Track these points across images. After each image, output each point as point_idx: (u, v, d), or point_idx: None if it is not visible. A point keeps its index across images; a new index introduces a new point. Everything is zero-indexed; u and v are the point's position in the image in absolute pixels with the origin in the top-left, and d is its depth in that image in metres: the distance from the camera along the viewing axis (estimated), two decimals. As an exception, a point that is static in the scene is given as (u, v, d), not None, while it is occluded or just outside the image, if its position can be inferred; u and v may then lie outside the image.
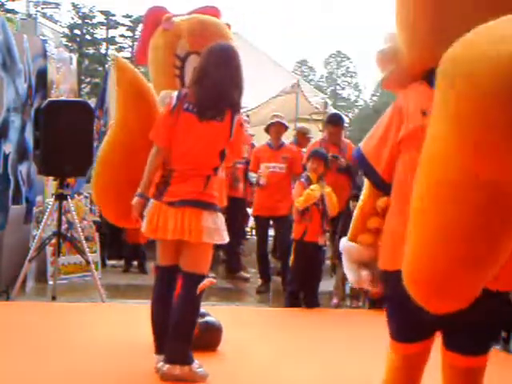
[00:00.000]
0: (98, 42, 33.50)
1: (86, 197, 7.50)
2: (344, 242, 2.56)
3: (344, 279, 6.71)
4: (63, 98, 7.34)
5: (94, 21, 33.58)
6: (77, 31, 32.94)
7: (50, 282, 6.39)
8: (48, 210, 6.02)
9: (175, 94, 3.78)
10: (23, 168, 6.66)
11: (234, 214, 7.00)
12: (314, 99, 10.68)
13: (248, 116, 8.47)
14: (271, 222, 7.39)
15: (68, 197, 5.99)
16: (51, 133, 5.71)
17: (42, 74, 6.99)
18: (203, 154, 3.68)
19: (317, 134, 10.51)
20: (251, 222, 9.54)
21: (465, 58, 1.84)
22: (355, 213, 2.58)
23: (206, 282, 3.71)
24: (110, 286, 6.81)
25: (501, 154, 1.80)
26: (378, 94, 53.82)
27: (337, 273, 6.88)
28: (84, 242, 6.19)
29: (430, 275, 1.96)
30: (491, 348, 2.35)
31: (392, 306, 2.35)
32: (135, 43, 31.44)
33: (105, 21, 33.54)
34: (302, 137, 8.23)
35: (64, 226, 6.38)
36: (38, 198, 6.90)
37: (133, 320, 4.98)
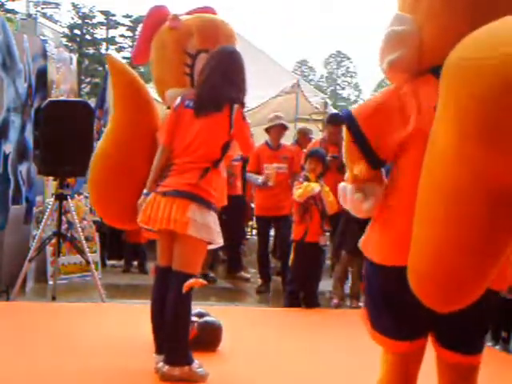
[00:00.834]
0: (98, 42, 33.47)
1: (86, 197, 7.50)
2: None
3: (342, 279, 6.72)
4: (63, 97, 7.34)
5: (94, 21, 33.56)
6: (77, 31, 32.92)
7: (50, 282, 6.39)
8: (48, 210, 6.02)
9: (180, 97, 3.84)
10: (23, 168, 6.65)
11: (233, 213, 7.00)
12: (314, 99, 10.66)
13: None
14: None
15: (68, 197, 5.99)
16: (51, 133, 5.71)
17: (41, 74, 6.98)
18: (203, 147, 3.68)
19: (317, 134, 10.51)
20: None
21: (467, 59, 1.85)
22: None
23: (192, 281, 3.66)
24: (110, 285, 6.81)
25: (506, 155, 1.80)
26: (377, 94, 53.76)
27: (334, 272, 6.88)
28: (84, 242, 6.18)
29: (439, 275, 1.96)
30: (485, 347, 2.35)
31: (386, 301, 2.30)
32: (135, 43, 31.44)
33: (105, 21, 33.54)
34: (303, 137, 8.24)
35: (64, 226, 6.38)
36: (38, 198, 6.90)
37: (133, 320, 4.98)
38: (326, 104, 10.63)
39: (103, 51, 33.19)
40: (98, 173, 4.24)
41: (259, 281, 7.26)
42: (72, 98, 7.61)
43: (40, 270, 6.64)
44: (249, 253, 9.23)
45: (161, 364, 3.67)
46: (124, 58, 28.02)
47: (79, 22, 33.25)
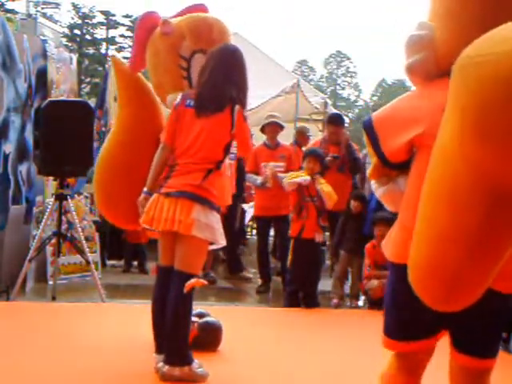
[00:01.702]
0: (98, 42, 33.42)
1: (86, 197, 7.51)
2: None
3: (342, 279, 6.72)
4: (63, 97, 7.34)
5: (94, 21, 33.51)
6: (77, 31, 32.86)
7: (50, 282, 6.39)
8: (48, 210, 6.02)
9: (180, 95, 3.84)
10: (23, 168, 6.66)
11: (232, 213, 7.00)
12: (314, 99, 10.67)
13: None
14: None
15: (68, 197, 5.99)
16: (51, 133, 5.71)
17: (41, 74, 6.99)
18: (205, 148, 3.68)
19: (317, 133, 10.51)
20: (248, 218, 9.54)
21: (472, 60, 1.88)
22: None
23: (193, 281, 3.66)
24: (110, 285, 6.81)
25: (503, 154, 1.81)
26: (378, 94, 53.87)
27: (334, 272, 6.88)
28: (84, 242, 6.18)
29: (439, 274, 1.99)
30: (498, 351, 2.39)
31: (394, 300, 2.33)
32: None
33: (105, 21, 33.50)
34: (301, 136, 8.25)
35: (64, 226, 6.38)
36: (38, 198, 6.90)
37: (133, 320, 4.98)
38: (326, 104, 10.64)
39: (103, 51, 33.17)
40: (103, 174, 4.27)
41: (259, 281, 7.26)
42: (72, 98, 7.61)
43: (40, 270, 6.64)
44: (248, 253, 9.23)
45: (161, 364, 3.67)
46: (124, 58, 27.98)
47: (79, 21, 33.20)
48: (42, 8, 32.67)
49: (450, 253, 1.96)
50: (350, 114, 47.20)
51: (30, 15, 28.24)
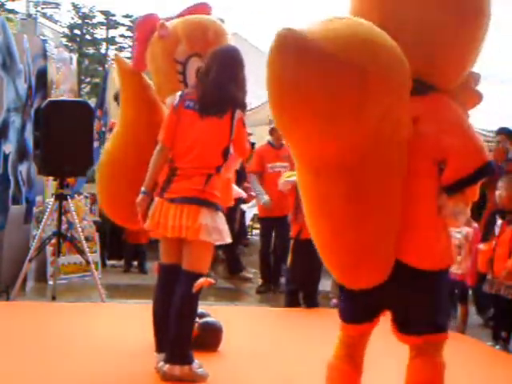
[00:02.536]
0: (98, 42, 33.39)
1: (86, 197, 7.51)
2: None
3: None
4: (63, 97, 7.33)
5: (94, 21, 33.48)
6: (77, 31, 32.84)
7: (50, 282, 6.39)
8: (48, 210, 6.02)
9: (179, 93, 3.83)
10: (23, 168, 6.65)
11: (232, 214, 7.00)
12: (314, 99, 10.64)
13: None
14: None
15: (68, 197, 5.99)
16: (51, 133, 5.71)
17: (41, 74, 6.98)
18: (205, 152, 3.69)
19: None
20: (248, 218, 9.54)
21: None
22: None
23: (202, 281, 3.68)
24: (110, 285, 6.81)
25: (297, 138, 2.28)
26: (377, 94, 53.72)
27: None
28: (84, 242, 6.18)
29: (329, 259, 2.50)
30: (442, 326, 2.57)
31: (346, 293, 2.64)
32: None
33: (105, 21, 33.47)
34: None
35: (64, 226, 6.38)
36: (38, 198, 6.90)
37: (133, 320, 4.97)
38: (325, 104, 10.61)
39: (103, 51, 33.17)
40: (105, 173, 4.29)
41: (259, 281, 7.26)
42: (72, 98, 7.61)
43: (40, 270, 6.64)
44: (249, 253, 9.23)
45: (161, 363, 3.67)
46: (124, 58, 27.91)
47: (79, 21, 33.18)
48: (42, 8, 32.60)
49: (328, 240, 2.46)
50: (349, 114, 46.99)
51: (30, 15, 28.20)
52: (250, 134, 8.55)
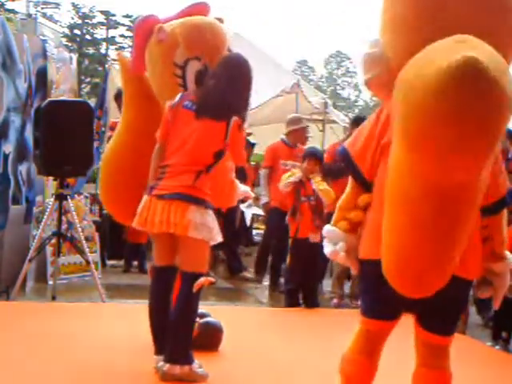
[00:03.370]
0: (98, 42, 33.46)
1: (86, 197, 7.51)
2: (326, 226, 2.81)
3: (342, 279, 6.72)
4: (63, 97, 7.33)
5: (94, 21, 33.55)
6: (77, 31, 32.90)
7: (50, 282, 6.39)
8: (48, 210, 6.02)
9: (179, 95, 3.84)
10: (23, 168, 6.65)
11: (232, 213, 7.00)
12: (314, 99, 10.67)
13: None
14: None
15: (68, 197, 5.99)
16: (51, 133, 5.71)
17: (41, 74, 6.98)
18: (196, 150, 3.68)
19: (317, 133, 10.52)
20: (248, 218, 9.54)
21: (404, 79, 2.23)
22: (337, 204, 2.81)
23: (202, 280, 3.68)
24: (110, 286, 6.81)
25: (439, 159, 2.15)
26: (378, 94, 53.70)
27: (334, 272, 6.88)
28: (84, 241, 6.18)
29: (402, 268, 2.34)
30: (455, 331, 2.69)
31: (368, 287, 2.69)
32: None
33: (105, 21, 33.51)
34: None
35: (64, 226, 6.38)
36: (38, 198, 6.90)
37: (133, 320, 4.97)
38: (326, 104, 10.64)
39: (103, 51, 33.20)
40: (107, 172, 4.29)
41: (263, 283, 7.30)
42: (72, 98, 7.61)
43: (40, 270, 6.64)
44: (249, 253, 9.23)
45: (161, 363, 3.66)
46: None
47: (79, 21, 33.24)
48: (42, 8, 32.67)
49: (410, 251, 2.30)
50: (350, 114, 47.11)
51: (30, 15, 28.19)
52: (249, 134, 8.60)
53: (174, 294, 3.71)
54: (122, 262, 8.00)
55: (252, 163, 9.78)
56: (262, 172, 7.48)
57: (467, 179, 2.22)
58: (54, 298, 5.89)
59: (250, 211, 9.48)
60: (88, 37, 33.23)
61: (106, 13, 33.40)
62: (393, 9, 2.53)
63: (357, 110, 53.69)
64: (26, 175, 6.69)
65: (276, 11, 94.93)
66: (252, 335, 4.97)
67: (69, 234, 6.45)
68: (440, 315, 2.60)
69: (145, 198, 3.71)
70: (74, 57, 8.87)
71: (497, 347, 5.18)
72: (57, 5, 34.41)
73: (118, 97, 7.26)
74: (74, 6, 33.17)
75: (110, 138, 6.93)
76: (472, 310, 6.03)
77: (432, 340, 2.63)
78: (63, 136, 5.69)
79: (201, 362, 3.74)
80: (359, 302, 6.87)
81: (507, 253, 2.65)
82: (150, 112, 4.15)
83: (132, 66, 4.27)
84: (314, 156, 6.19)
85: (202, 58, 3.98)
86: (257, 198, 8.24)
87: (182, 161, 3.68)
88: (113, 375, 3.80)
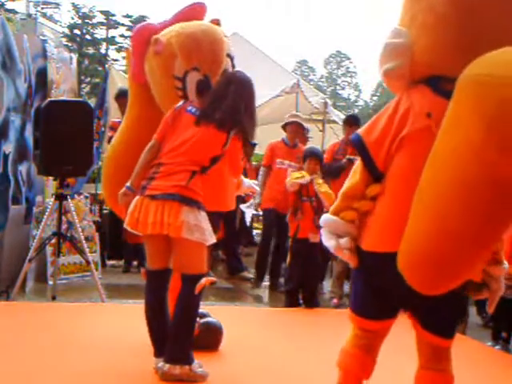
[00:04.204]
0: (98, 42, 33.44)
1: (86, 197, 7.51)
2: (326, 216, 2.74)
3: (342, 278, 6.72)
4: (63, 97, 7.34)
5: (94, 21, 33.53)
6: (77, 31, 32.88)
7: (50, 282, 6.39)
8: (48, 210, 6.02)
9: (182, 101, 3.87)
10: (23, 168, 6.66)
11: (232, 214, 7.00)
12: (314, 99, 10.66)
13: None
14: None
15: (68, 197, 5.99)
16: (51, 133, 5.71)
17: (41, 74, 6.99)
18: (192, 151, 3.67)
19: (317, 133, 10.52)
20: (248, 218, 9.53)
21: (484, 75, 2.16)
22: (341, 192, 2.72)
23: (204, 281, 3.68)
24: (110, 286, 6.81)
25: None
26: (378, 94, 53.82)
27: (333, 272, 6.88)
28: (84, 242, 6.19)
29: (432, 261, 2.25)
30: (455, 333, 2.69)
31: (366, 282, 2.65)
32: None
33: (105, 21, 33.50)
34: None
35: (64, 226, 6.38)
36: (38, 198, 6.90)
37: (133, 320, 4.96)
38: (326, 104, 10.64)
39: (103, 51, 33.19)
40: (109, 170, 4.31)
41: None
42: (72, 98, 7.61)
43: (40, 270, 6.64)
44: (249, 253, 9.22)
45: (161, 363, 3.66)
46: (124, 57, 27.93)
47: (79, 21, 33.22)
48: (42, 8, 32.63)
49: (453, 244, 2.19)
50: (350, 114, 47.05)
51: (30, 15, 28.14)
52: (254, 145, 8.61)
53: (175, 295, 3.71)
54: (121, 262, 8.01)
55: (254, 163, 9.78)
56: (261, 171, 7.50)
57: None
58: (54, 298, 5.89)
59: (250, 211, 9.48)
60: (88, 37, 33.21)
61: (106, 13, 33.38)
62: (428, 3, 2.47)
63: (357, 110, 53.72)
64: (26, 175, 6.69)
65: (276, 11, 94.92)
66: (252, 335, 4.97)
67: (69, 234, 6.45)
68: (441, 316, 2.60)
69: (137, 197, 3.68)
70: (74, 57, 8.86)
71: (497, 347, 5.18)
72: (57, 5, 34.39)
73: (118, 97, 7.27)
74: (74, 6, 33.15)
75: (110, 138, 6.95)
76: (472, 310, 6.03)
77: (433, 341, 2.63)
78: (63, 136, 5.69)
79: (201, 362, 3.74)
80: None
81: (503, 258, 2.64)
82: (151, 111, 4.15)
83: (131, 76, 4.26)
84: (315, 156, 6.20)
85: (200, 68, 3.96)
86: None
87: (178, 160, 3.67)
88: (113, 375, 3.80)
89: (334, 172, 6.66)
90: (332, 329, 5.46)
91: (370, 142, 2.60)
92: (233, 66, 4.16)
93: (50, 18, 32.18)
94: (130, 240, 7.64)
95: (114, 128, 6.85)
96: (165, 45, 3.98)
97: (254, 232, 10.52)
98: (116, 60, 30.39)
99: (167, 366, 3.63)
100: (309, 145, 7.84)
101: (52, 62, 7.30)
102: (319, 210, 6.02)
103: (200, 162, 3.68)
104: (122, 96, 6.64)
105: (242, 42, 9.71)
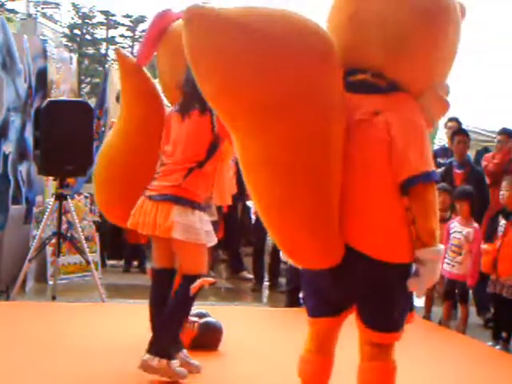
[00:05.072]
0: (98, 42, 33.41)
1: (85, 197, 7.50)
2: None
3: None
4: (63, 97, 7.33)
5: (94, 21, 33.49)
6: (77, 31, 32.85)
7: (50, 282, 6.39)
8: (48, 210, 6.02)
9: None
10: (23, 168, 6.66)
11: (232, 213, 6.99)
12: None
13: None
14: None
15: (68, 197, 5.99)
16: (51, 133, 5.71)
17: (41, 74, 6.98)
18: (187, 147, 3.67)
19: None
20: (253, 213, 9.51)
21: None
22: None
23: (199, 283, 3.66)
24: (110, 286, 6.81)
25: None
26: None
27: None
28: (84, 241, 6.19)
29: (282, 240, 2.49)
30: (399, 326, 2.60)
31: (310, 288, 2.77)
32: (135, 43, 31.37)
33: (105, 21, 33.47)
34: None
35: (64, 226, 6.37)
36: (38, 198, 6.90)
37: (133, 320, 4.97)
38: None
39: (103, 51, 33.18)
40: (101, 173, 4.21)
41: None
42: (72, 98, 7.61)
43: (40, 270, 6.64)
44: (250, 253, 9.20)
45: (146, 356, 3.64)
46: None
47: (79, 21, 33.19)
48: (42, 8, 32.59)
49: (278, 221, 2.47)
50: (350, 114, 46.95)
51: (30, 15, 28.25)
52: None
53: (172, 292, 3.71)
54: (122, 262, 8.00)
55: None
56: None
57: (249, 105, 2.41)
58: (54, 298, 5.89)
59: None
60: (88, 37, 33.19)
61: (105, 13, 33.35)
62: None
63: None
64: (26, 175, 6.69)
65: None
66: (252, 335, 4.97)
67: (69, 234, 6.44)
68: (375, 308, 2.54)
69: (141, 198, 3.71)
70: (74, 57, 8.87)
71: (497, 347, 5.18)
72: (57, 5, 34.35)
73: (119, 98, 7.26)
74: (74, 6, 33.11)
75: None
76: (472, 310, 6.03)
77: (372, 337, 2.60)
78: (63, 136, 5.69)
79: (201, 362, 3.74)
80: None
81: (436, 243, 2.48)
82: (146, 111, 4.08)
83: (138, 54, 4.18)
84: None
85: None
86: None
87: (173, 160, 3.69)
88: (113, 375, 3.81)
89: None
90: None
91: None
92: None
93: (50, 18, 32.18)
94: (130, 240, 7.64)
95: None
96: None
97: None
98: (116, 60, 30.35)
99: (147, 356, 3.61)
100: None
101: (52, 62, 7.30)
102: None
103: (195, 157, 3.66)
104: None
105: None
